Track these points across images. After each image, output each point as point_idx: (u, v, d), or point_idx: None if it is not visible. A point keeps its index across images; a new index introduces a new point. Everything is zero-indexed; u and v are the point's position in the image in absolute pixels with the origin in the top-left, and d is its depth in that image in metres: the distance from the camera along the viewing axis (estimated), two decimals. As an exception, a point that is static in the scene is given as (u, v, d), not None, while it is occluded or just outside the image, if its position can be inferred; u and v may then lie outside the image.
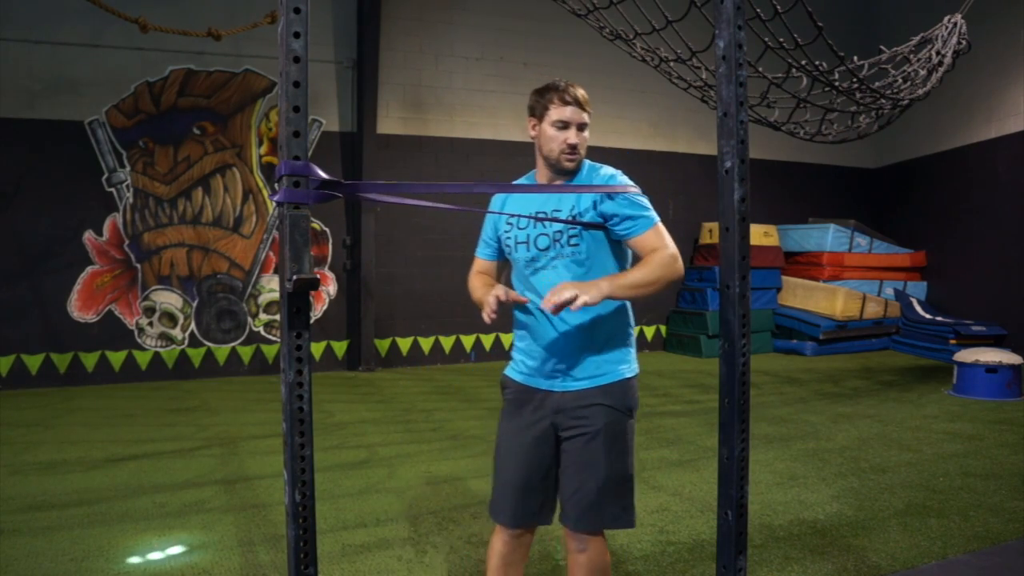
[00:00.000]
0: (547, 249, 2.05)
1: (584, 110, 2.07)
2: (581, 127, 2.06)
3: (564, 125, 2.04)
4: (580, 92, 2.08)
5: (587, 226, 2.02)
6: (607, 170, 2.11)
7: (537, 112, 2.09)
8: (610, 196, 2.01)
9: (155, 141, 7.61)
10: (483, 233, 2.28)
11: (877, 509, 3.52)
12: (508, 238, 2.15)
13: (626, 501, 2.04)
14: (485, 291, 2.09)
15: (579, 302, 1.82)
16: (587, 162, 2.15)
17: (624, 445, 2.04)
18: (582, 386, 2.04)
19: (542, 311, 2.01)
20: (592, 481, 2.00)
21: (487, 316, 2.01)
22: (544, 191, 2.11)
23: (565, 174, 2.10)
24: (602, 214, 2.02)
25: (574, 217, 2.03)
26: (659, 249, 1.97)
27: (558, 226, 2.04)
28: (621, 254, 2.11)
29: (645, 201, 2.04)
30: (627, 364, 2.09)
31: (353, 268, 8.35)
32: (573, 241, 2.03)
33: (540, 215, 2.08)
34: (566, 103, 2.05)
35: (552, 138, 2.05)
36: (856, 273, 9.85)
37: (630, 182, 2.06)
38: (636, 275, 1.95)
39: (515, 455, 2.08)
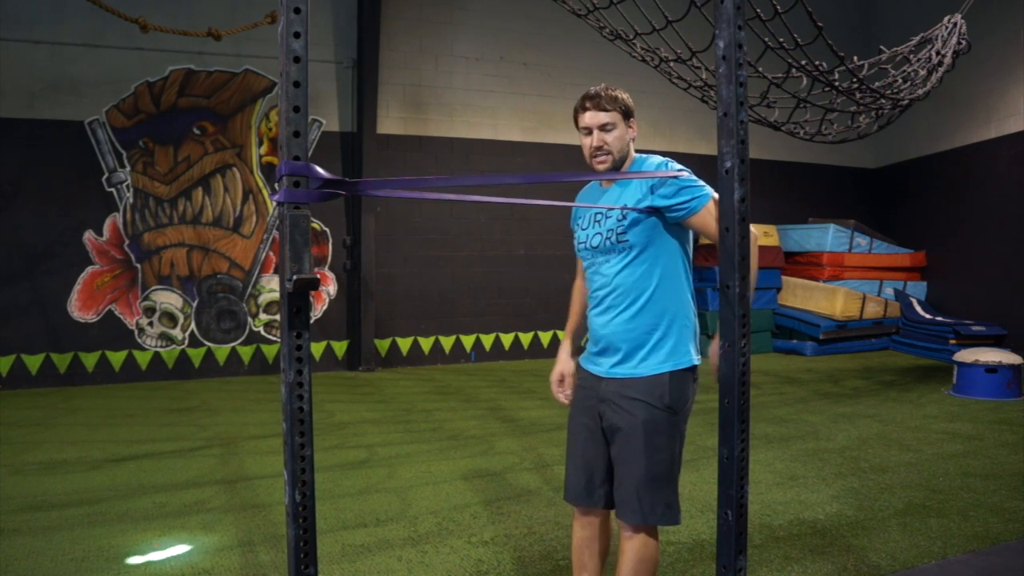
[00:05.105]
0: (599, 247, 2.13)
1: (602, 109, 2.09)
2: (604, 127, 2.09)
3: (587, 131, 2.12)
4: (598, 91, 2.11)
5: (637, 211, 2.04)
6: (654, 159, 2.13)
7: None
8: (652, 191, 2.03)
9: (155, 141, 7.61)
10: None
11: (877, 509, 3.52)
12: (575, 239, 2.27)
13: (667, 498, 2.05)
14: (560, 356, 2.37)
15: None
16: (638, 156, 2.18)
17: (662, 443, 2.03)
18: (624, 374, 2.08)
19: (597, 301, 2.16)
20: (630, 477, 2.04)
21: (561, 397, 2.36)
22: (558, 180, 2.12)
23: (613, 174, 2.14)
24: (653, 208, 2.04)
25: (624, 216, 2.07)
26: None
27: (610, 224, 2.10)
28: (683, 235, 2.13)
29: (694, 181, 2.03)
30: (675, 358, 2.06)
31: (353, 268, 8.35)
32: (622, 238, 2.07)
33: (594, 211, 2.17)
34: (584, 109, 2.12)
35: (583, 146, 2.15)
36: (856, 273, 9.84)
37: (678, 166, 2.06)
38: None
39: (573, 435, 2.22)
